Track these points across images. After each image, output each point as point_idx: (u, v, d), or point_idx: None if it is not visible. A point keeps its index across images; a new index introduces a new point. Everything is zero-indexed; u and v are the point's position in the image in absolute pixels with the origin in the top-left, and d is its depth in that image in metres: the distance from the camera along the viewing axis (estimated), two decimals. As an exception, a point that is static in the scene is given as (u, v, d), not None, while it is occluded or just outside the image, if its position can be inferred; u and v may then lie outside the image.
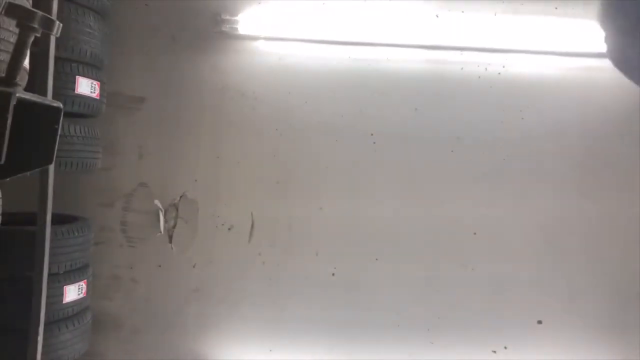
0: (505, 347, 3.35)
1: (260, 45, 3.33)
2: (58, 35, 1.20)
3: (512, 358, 3.34)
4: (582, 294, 3.37)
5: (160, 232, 3.35)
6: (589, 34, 3.30)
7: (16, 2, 1.14)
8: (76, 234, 2.70)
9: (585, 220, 3.37)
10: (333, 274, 3.35)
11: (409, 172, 3.36)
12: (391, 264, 3.34)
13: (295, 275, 3.35)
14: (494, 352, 3.35)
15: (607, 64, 3.32)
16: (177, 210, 3.36)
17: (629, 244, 3.36)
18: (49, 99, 1.59)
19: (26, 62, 1.22)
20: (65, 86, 2.54)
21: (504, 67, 3.34)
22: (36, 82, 2.10)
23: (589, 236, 3.37)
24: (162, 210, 3.35)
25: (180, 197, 3.36)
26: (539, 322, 3.36)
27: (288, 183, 3.35)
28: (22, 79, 1.36)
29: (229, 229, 3.37)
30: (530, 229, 3.37)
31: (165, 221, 3.36)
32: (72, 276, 2.67)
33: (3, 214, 1.62)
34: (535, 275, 3.36)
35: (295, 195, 3.35)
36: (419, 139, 3.35)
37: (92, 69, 2.71)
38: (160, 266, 3.36)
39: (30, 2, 1.45)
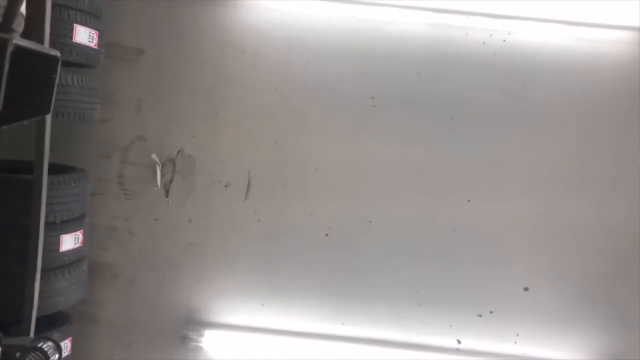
0: (491, 312, 3.43)
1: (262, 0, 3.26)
2: (55, -19, 1.17)
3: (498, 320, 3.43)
4: (568, 264, 3.42)
5: (157, 186, 3.37)
6: (599, 4, 3.22)
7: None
8: (73, 184, 2.71)
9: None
10: (327, 235, 3.40)
11: (408, 136, 3.35)
12: (384, 227, 3.38)
13: (289, 235, 3.39)
14: (480, 315, 3.44)
15: (615, 35, 3.27)
16: (174, 165, 3.37)
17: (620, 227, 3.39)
18: (46, 47, 1.57)
19: (22, 8, 1.20)
20: (62, 34, 2.49)
21: (509, 34, 3.28)
22: (33, 30, 2.05)
23: (584, 209, 3.40)
24: (159, 165, 3.36)
25: (178, 152, 3.36)
26: (526, 289, 3.44)
27: (285, 143, 3.35)
28: (19, 25, 1.34)
29: (226, 186, 3.39)
30: (527, 195, 3.39)
31: (162, 175, 3.37)
32: (68, 226, 2.70)
33: (0, 161, 1.63)
34: (525, 244, 3.41)
35: (292, 155, 3.36)
36: (420, 104, 3.32)
37: (91, 18, 2.65)
38: (156, 219, 3.40)
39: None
